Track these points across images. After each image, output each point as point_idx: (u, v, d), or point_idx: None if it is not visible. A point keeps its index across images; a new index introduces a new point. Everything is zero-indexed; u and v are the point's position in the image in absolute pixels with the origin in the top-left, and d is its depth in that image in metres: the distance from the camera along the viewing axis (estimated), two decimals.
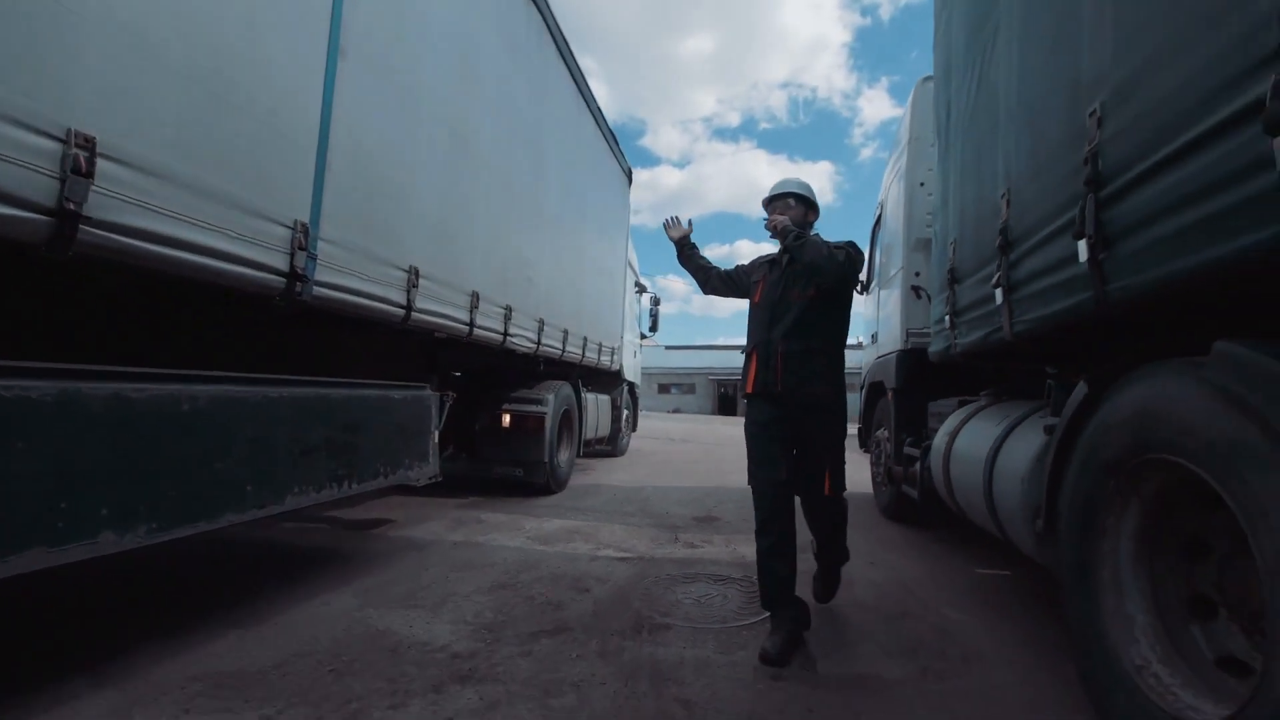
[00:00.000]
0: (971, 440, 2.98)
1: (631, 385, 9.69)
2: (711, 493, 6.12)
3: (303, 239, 2.30)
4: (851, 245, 2.52)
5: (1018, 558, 2.85)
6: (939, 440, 3.49)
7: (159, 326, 2.49)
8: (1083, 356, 2.47)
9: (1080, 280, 1.84)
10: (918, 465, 3.96)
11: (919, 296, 4.67)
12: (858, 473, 7.04)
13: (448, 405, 3.93)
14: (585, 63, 6.46)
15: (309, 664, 2.03)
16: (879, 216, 6.15)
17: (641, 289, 10.31)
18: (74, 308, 2.18)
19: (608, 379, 8.17)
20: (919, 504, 4.00)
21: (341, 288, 2.59)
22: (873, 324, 6.25)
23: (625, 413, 9.31)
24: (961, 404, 3.57)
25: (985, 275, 2.64)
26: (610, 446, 8.94)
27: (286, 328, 2.84)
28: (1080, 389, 1.89)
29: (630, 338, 9.39)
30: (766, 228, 2.62)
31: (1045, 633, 2.52)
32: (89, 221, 1.58)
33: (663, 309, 10.96)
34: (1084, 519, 1.82)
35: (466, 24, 3.65)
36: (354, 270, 2.67)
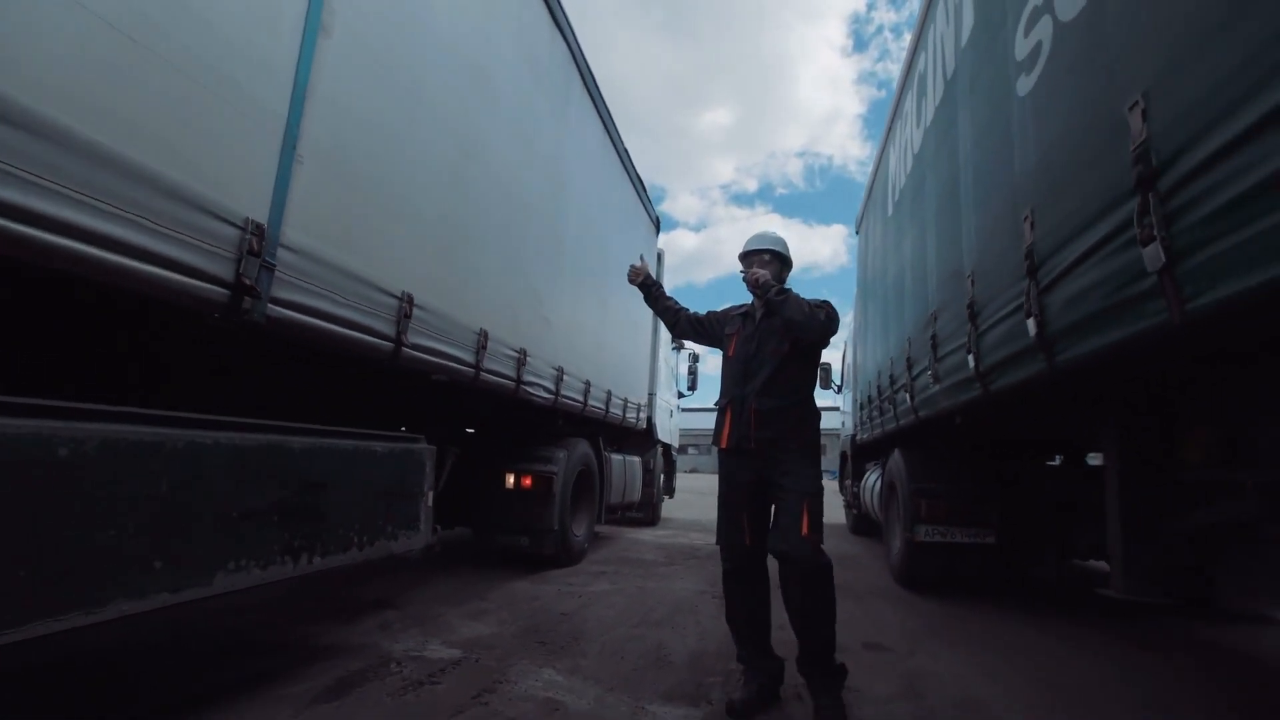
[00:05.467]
0: (868, 480, 6.65)
1: (667, 447, 9.41)
2: None
3: (255, 243, 1.90)
4: (829, 304, 2.52)
5: None
6: (862, 482, 7.14)
7: (36, 342, 1.98)
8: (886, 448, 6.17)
9: (898, 414, 5.58)
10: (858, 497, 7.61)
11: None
12: (832, 515, 10.56)
13: (449, 463, 3.60)
14: None
15: (612, 563, 5.59)
16: (845, 343, 9.94)
17: (679, 345, 10.09)
18: None
19: (638, 439, 7.91)
20: (860, 518, 7.63)
21: (307, 309, 2.17)
22: (843, 412, 9.94)
23: (660, 477, 9.09)
24: (873, 464, 7.23)
25: (869, 410, 6.37)
26: (643, 513, 8.56)
27: (234, 358, 2.52)
28: (885, 459, 5.57)
29: (667, 397, 9.17)
30: (746, 280, 2.63)
31: None
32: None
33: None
34: (886, 505, 5.46)
35: (480, 29, 3.39)
36: (325, 289, 2.25)
